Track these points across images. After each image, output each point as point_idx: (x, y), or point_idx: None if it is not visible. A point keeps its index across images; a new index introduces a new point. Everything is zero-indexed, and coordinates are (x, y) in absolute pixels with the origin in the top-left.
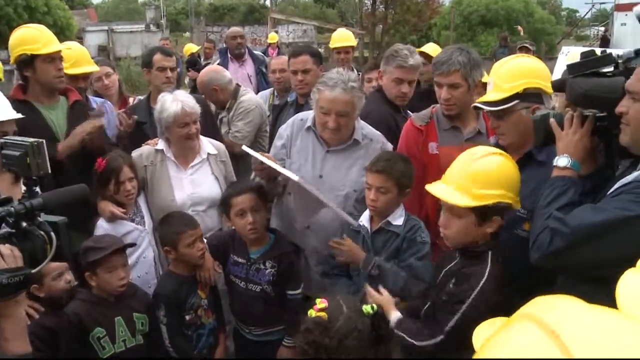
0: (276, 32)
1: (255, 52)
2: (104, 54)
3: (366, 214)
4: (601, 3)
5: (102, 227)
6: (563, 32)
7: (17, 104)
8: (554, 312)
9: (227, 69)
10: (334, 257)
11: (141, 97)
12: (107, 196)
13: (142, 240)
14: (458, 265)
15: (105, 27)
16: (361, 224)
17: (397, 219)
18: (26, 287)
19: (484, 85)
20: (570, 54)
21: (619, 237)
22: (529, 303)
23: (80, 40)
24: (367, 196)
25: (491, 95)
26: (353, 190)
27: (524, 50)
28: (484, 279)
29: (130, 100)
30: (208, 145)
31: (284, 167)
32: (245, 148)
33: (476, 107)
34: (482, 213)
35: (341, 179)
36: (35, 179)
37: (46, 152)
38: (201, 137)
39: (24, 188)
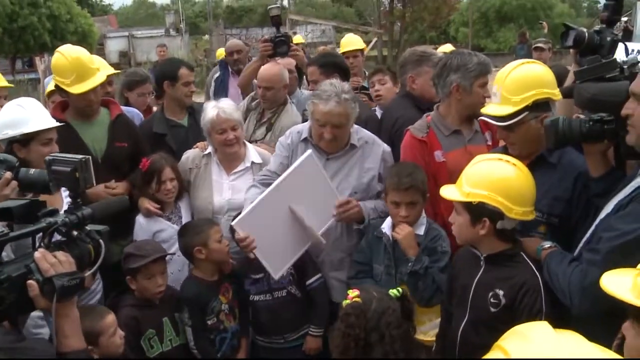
0: (294, 33)
1: None
2: (124, 59)
3: (388, 222)
4: None
5: (139, 221)
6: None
7: None
8: (521, 343)
9: (227, 83)
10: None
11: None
12: (149, 194)
13: (175, 238)
14: (490, 274)
15: (126, 33)
16: (383, 231)
17: (419, 227)
18: (81, 289)
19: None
20: None
21: None
22: (507, 332)
23: (101, 46)
24: (395, 213)
25: (500, 109)
26: (354, 192)
27: (539, 50)
28: (540, 280)
29: (154, 109)
30: (254, 153)
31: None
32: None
33: (484, 121)
34: (475, 213)
35: (341, 183)
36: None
37: (92, 167)
38: (248, 145)
39: (67, 199)
